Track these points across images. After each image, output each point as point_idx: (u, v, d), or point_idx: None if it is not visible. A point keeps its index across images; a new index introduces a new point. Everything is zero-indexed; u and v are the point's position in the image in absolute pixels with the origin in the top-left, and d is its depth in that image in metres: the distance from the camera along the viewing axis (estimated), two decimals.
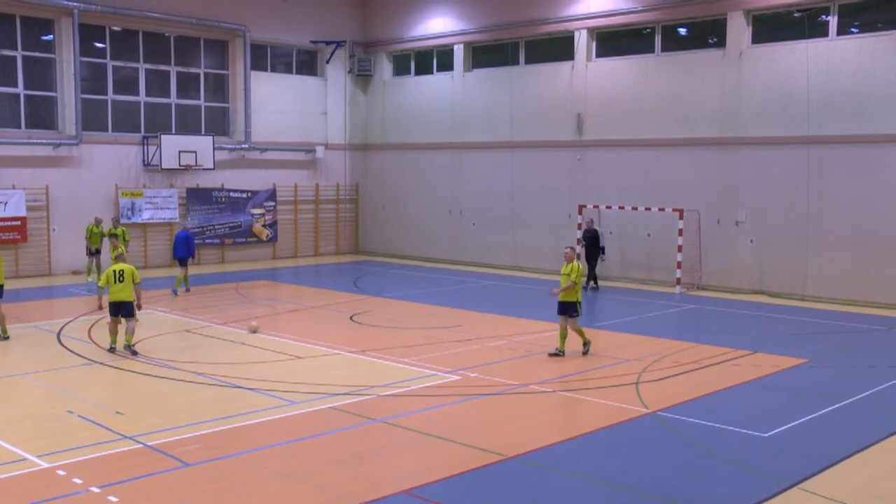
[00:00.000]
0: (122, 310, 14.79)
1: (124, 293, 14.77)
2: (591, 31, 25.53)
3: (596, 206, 24.57)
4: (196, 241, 27.60)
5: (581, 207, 24.67)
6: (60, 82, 25.20)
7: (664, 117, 23.90)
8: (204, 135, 27.78)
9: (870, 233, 20.63)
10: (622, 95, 24.75)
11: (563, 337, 14.56)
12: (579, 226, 24.02)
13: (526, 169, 27.18)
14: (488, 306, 19.99)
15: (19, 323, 17.47)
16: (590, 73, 25.45)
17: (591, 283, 23.02)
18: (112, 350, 14.77)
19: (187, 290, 21.86)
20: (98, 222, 23.66)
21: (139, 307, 15.20)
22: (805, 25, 21.71)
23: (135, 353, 14.58)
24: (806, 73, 21.29)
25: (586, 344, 14.76)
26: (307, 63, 31.21)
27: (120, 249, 17.11)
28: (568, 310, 14.46)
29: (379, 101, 31.68)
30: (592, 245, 23.05)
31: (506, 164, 27.61)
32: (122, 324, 14.85)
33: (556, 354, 14.52)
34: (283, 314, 19.12)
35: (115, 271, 14.85)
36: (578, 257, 22.80)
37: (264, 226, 29.60)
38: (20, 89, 24.65)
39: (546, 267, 25.60)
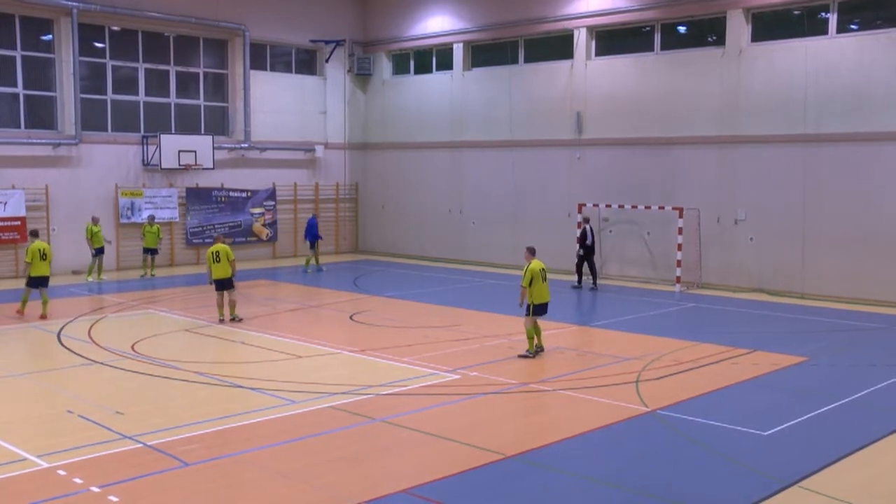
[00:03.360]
0: (224, 285, 17.56)
1: (223, 271, 17.48)
2: (590, 29, 25.53)
3: (596, 205, 24.58)
4: (196, 241, 27.88)
5: (581, 206, 24.68)
6: (60, 82, 25.20)
7: (663, 116, 23.91)
8: (203, 134, 27.78)
9: (869, 231, 20.63)
10: (621, 94, 24.75)
11: (538, 334, 14.72)
12: (579, 224, 23.95)
13: (526, 168, 27.18)
14: (488, 305, 19.99)
15: (19, 323, 17.50)
16: (589, 71, 25.45)
17: (592, 282, 23.09)
18: (221, 321, 17.45)
19: (319, 270, 26.05)
20: (96, 221, 23.76)
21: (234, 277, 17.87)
22: (804, 23, 21.73)
23: (240, 320, 17.58)
24: (805, 71, 21.29)
25: (538, 347, 14.72)
26: (306, 62, 31.21)
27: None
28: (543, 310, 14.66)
29: (378, 101, 31.68)
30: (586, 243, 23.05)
31: (505, 163, 27.61)
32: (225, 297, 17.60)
33: (526, 356, 14.51)
34: (283, 313, 19.12)
35: (212, 253, 17.61)
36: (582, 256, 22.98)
37: (264, 225, 29.61)
38: (19, 89, 24.65)
39: (546, 266, 25.51)
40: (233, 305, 17.72)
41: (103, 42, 26.28)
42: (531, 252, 14.92)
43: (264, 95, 29.40)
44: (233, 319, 17.57)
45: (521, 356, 14.50)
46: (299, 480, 8.84)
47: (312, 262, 26.59)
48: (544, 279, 14.63)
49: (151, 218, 25.38)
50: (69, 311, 18.74)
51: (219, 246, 17.72)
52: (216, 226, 28.20)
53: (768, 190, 22.17)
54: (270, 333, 16.49)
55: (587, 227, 23.22)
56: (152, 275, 24.87)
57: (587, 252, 23.01)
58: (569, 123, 25.92)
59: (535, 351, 14.58)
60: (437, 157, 29.73)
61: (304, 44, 30.57)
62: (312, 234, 26.46)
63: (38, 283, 18.10)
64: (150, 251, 25.03)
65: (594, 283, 23.11)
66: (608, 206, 24.34)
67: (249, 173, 29.17)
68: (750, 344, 15.69)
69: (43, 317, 17.87)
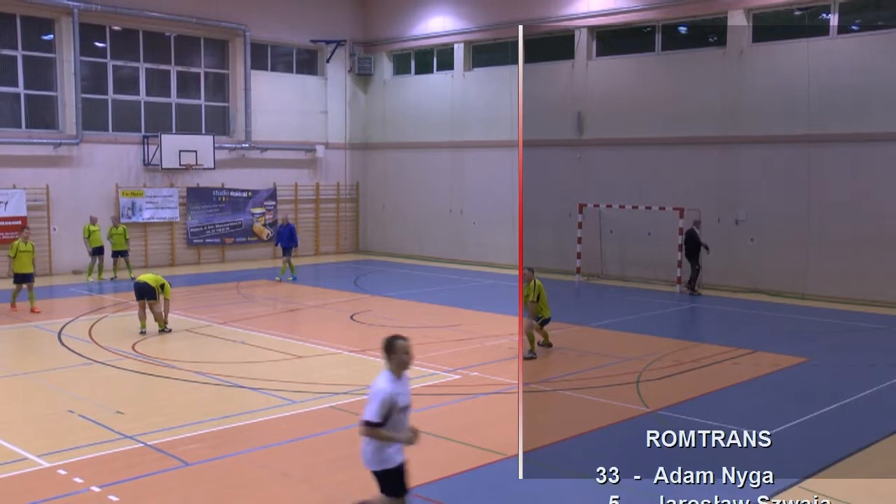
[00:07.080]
0: (143, 294, 16.23)
1: (149, 280, 16.25)
2: (591, 29, 25.53)
3: (596, 205, 24.58)
4: (196, 241, 27.86)
5: (581, 206, 24.68)
6: (61, 82, 25.20)
7: (664, 116, 23.89)
8: (204, 134, 27.79)
9: (870, 231, 20.61)
10: (622, 94, 24.74)
11: (544, 334, 14.95)
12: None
13: (526, 168, 27.04)
14: (488, 305, 19.99)
15: (19, 323, 17.51)
16: (590, 71, 25.46)
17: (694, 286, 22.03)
18: (143, 333, 16.14)
19: (293, 279, 23.78)
20: (94, 221, 23.68)
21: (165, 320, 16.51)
22: (805, 24, 21.72)
23: (169, 331, 16.37)
24: (806, 71, 21.28)
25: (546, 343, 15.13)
26: (307, 62, 31.21)
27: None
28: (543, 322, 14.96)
29: (379, 101, 31.69)
30: (693, 245, 21.98)
31: (506, 163, 27.58)
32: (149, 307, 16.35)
33: (531, 357, 14.58)
34: (284, 313, 19.12)
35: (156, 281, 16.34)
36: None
37: (265, 225, 29.61)
38: (20, 89, 24.65)
39: (547, 266, 25.56)
40: (157, 317, 16.27)
41: (104, 42, 26.28)
42: (532, 272, 15.11)
43: (265, 95, 29.39)
44: (161, 331, 16.29)
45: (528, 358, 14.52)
46: (300, 480, 8.84)
47: (288, 269, 23.98)
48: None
49: (115, 220, 24.51)
50: (69, 311, 18.75)
51: (150, 276, 16.45)
52: (217, 225, 28.23)
53: (769, 190, 22.15)
54: (270, 333, 16.49)
55: (696, 230, 22.09)
56: (131, 277, 23.01)
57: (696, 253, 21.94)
58: (569, 124, 25.91)
59: (543, 345, 14.82)
60: (438, 157, 29.73)
61: (304, 44, 30.58)
62: (287, 239, 24.05)
63: None
64: (119, 253, 23.94)
65: (694, 288, 22.08)
66: (609, 206, 24.34)
67: (250, 173, 29.17)
68: (750, 344, 15.68)
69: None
